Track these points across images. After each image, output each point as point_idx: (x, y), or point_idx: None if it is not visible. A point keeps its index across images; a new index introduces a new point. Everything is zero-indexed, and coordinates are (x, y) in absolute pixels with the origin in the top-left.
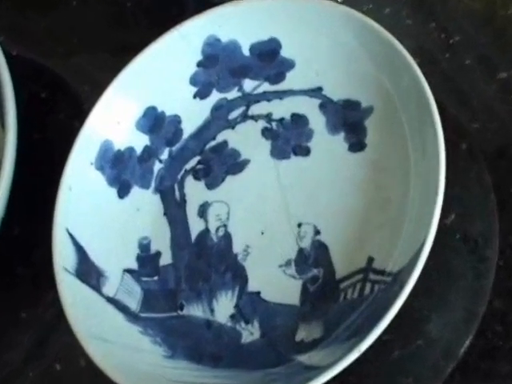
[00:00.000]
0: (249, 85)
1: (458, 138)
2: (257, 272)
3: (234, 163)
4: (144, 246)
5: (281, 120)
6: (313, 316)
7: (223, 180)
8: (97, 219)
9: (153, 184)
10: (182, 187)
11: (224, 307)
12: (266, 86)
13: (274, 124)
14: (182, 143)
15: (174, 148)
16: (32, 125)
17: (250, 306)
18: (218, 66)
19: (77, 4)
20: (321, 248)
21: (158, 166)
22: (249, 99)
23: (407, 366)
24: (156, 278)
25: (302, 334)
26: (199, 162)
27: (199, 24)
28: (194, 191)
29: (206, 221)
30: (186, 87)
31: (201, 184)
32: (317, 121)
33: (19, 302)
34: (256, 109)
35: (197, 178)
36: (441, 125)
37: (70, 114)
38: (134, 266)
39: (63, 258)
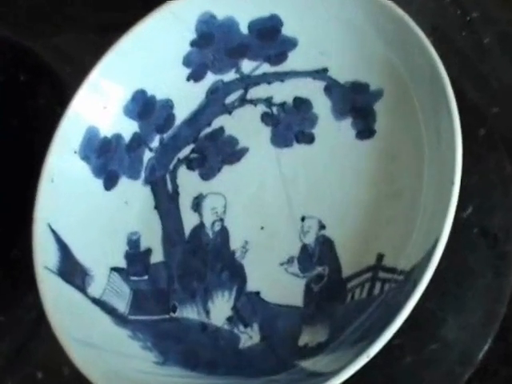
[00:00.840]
0: (247, 66)
1: (476, 124)
2: (256, 270)
3: (231, 152)
4: (133, 243)
5: (282, 104)
6: (317, 318)
7: (219, 170)
8: (81, 213)
9: (142, 175)
10: (174, 178)
11: (220, 309)
12: (265, 67)
13: (274, 109)
14: (175, 130)
15: (165, 135)
16: (10, 110)
17: (249, 307)
18: (214, 45)
19: None
20: (326, 244)
21: (148, 155)
22: (247, 82)
23: (420, 372)
24: (146, 277)
25: (305, 338)
26: (193, 151)
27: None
28: (188, 182)
29: (201, 215)
30: (179, 69)
31: (195, 174)
32: (321, 105)
33: None
34: (255, 92)
35: (190, 167)
36: (457, 109)
37: (51, 99)
38: (123, 264)
39: (45, 255)
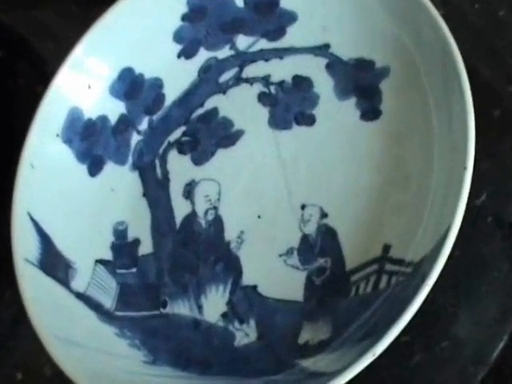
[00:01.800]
0: (243, 42)
1: (490, 104)
2: (253, 262)
3: (225, 134)
4: (120, 233)
5: (281, 83)
6: (319, 314)
7: (213, 154)
8: (64, 202)
9: (130, 159)
10: (164, 163)
11: (214, 304)
12: (263, 43)
13: (272, 88)
14: (165, 111)
15: (154, 117)
16: None
17: (245, 302)
18: (207, 19)
19: None
20: (328, 234)
21: (135, 139)
22: (243, 59)
23: (430, 372)
24: (134, 269)
25: (306, 336)
26: (185, 134)
27: None
28: (179, 167)
29: (193, 202)
30: (169, 45)
31: (186, 159)
32: (323, 84)
33: None
34: (251, 70)
35: (182, 152)
36: (470, 88)
37: (31, 78)
38: (109, 256)
39: (25, 247)
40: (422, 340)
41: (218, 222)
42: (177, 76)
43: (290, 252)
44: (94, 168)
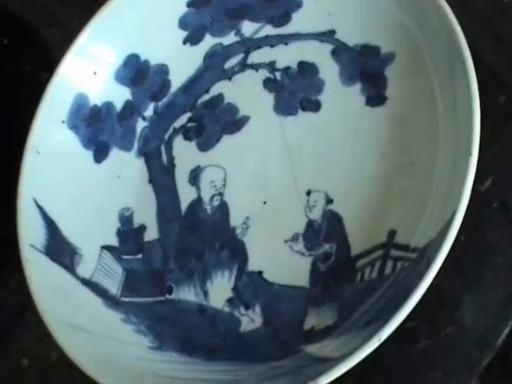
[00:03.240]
0: (248, 28)
1: (496, 90)
2: (258, 248)
3: (231, 120)
4: (125, 219)
5: (286, 69)
6: (324, 300)
7: (218, 140)
8: (70, 188)
9: (135, 146)
10: (169, 149)
11: (220, 290)
12: (268, 29)
13: (277, 74)
14: (170, 97)
15: (160, 103)
16: None
17: (251, 288)
18: (212, 5)
19: None
20: (333, 220)
21: (141, 125)
22: (248, 45)
23: (435, 357)
24: (140, 255)
25: (311, 321)
26: (190, 120)
27: None
28: (184, 154)
29: (199, 188)
30: (175, 31)
31: (192, 145)
32: (329, 70)
33: None
34: (257, 56)
35: (187, 138)
36: (475, 74)
37: (37, 64)
38: (114, 242)
39: (30, 233)
40: (428, 325)
41: (223, 208)
42: (182, 62)
43: (295, 238)
44: (100, 154)
